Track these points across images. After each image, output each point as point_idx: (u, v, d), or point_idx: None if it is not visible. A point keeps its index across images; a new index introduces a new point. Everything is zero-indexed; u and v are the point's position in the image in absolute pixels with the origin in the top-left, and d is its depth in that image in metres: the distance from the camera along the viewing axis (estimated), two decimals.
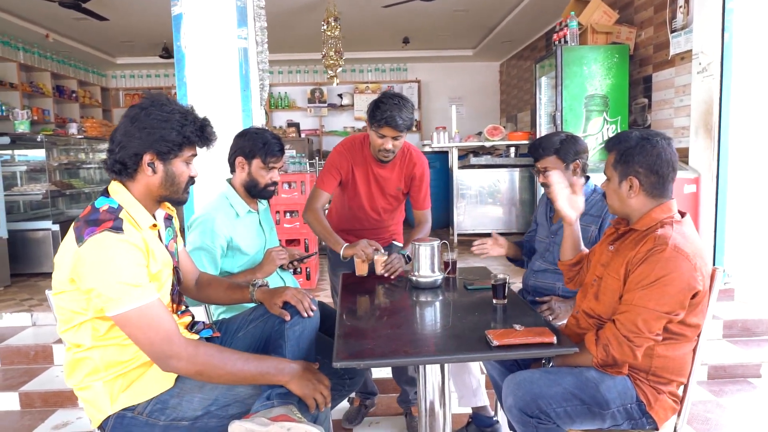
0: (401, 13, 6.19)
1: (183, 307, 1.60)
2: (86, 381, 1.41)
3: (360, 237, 2.32)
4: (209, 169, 3.39)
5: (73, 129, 5.56)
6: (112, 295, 1.28)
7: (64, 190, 5.03)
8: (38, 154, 4.86)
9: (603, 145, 4.46)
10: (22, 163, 4.84)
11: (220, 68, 3.32)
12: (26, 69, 6.77)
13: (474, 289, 1.92)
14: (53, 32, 6.52)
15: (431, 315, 1.75)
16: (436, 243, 1.98)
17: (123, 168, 1.43)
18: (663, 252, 1.39)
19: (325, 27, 5.62)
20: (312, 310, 1.65)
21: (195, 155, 1.48)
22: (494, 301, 1.67)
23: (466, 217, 5.67)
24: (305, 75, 8.87)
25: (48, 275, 4.53)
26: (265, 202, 2.25)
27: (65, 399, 2.86)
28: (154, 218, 1.52)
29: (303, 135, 8.44)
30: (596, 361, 1.48)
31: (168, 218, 1.59)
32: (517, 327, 1.43)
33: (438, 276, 1.97)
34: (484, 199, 5.70)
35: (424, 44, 8.07)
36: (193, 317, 1.65)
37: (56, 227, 4.58)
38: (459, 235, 5.70)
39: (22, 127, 4.82)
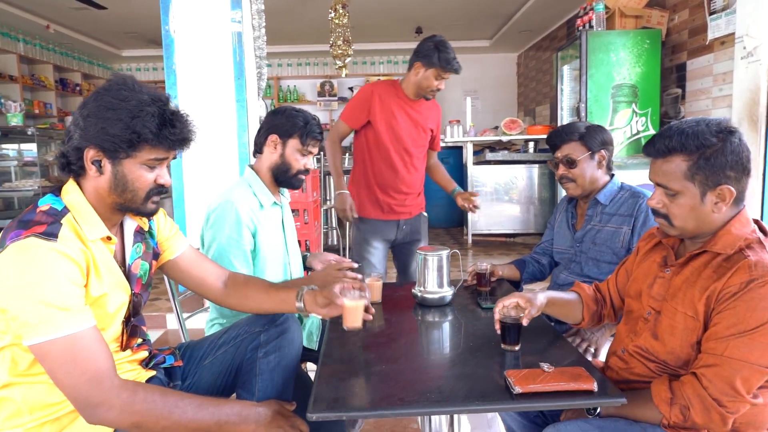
0: (413, 1, 5.86)
1: (139, 340, 1.31)
2: (4, 426, 1.13)
3: (393, 196, 2.50)
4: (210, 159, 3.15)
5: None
6: (30, 318, 1.01)
7: (59, 185, 4.81)
8: (31, 149, 4.65)
9: (630, 139, 4.10)
10: (14, 158, 4.62)
11: (213, 54, 3.05)
12: (28, 61, 6.59)
13: (490, 308, 1.61)
14: (54, 23, 6.31)
15: (437, 343, 1.44)
16: (445, 253, 1.68)
17: (66, 163, 1.16)
18: (766, 286, 1.04)
19: (332, 14, 5.32)
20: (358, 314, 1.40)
21: (164, 158, 1.17)
22: (503, 346, 1.31)
23: (480, 216, 5.34)
24: (315, 67, 8.58)
25: None
26: (287, 195, 1.99)
27: None
28: (121, 229, 1.26)
29: None
30: (666, 422, 1.13)
31: (140, 232, 1.31)
32: (545, 367, 1.12)
33: (446, 292, 1.66)
34: (500, 197, 5.37)
35: (438, 34, 7.73)
36: (151, 351, 1.36)
37: None
38: (473, 235, 5.38)
39: (15, 120, 4.61)
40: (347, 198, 2.51)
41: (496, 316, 1.30)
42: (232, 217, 1.70)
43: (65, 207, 1.13)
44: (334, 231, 5.13)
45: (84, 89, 7.55)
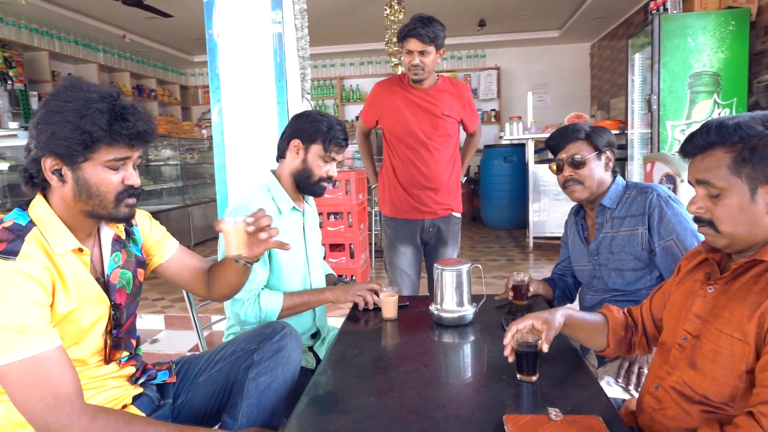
0: None
1: (125, 354, 1.26)
2: None
3: (414, 193, 2.40)
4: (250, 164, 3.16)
5: None
6: None
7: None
8: None
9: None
10: None
11: (254, 57, 3.03)
12: (108, 70, 7.01)
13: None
14: (129, 33, 6.67)
15: (443, 372, 1.27)
16: (465, 267, 1.51)
17: (29, 177, 1.13)
18: None
19: (388, 11, 5.21)
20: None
21: (127, 158, 1.12)
22: (519, 376, 1.15)
23: (543, 218, 5.02)
24: (377, 66, 8.51)
25: None
26: (312, 203, 1.91)
27: None
28: (99, 239, 1.22)
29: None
30: None
31: (118, 240, 1.27)
32: (553, 414, 0.94)
33: (466, 311, 1.50)
34: (565, 198, 5.01)
35: (503, 27, 7.40)
36: (140, 367, 1.30)
37: None
38: (535, 238, 5.07)
39: None
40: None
41: (506, 340, 1.15)
42: None
43: (30, 221, 1.09)
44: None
45: (158, 94, 7.95)
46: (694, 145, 1.00)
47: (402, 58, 2.36)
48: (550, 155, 1.73)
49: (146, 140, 1.13)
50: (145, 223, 1.37)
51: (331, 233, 3.47)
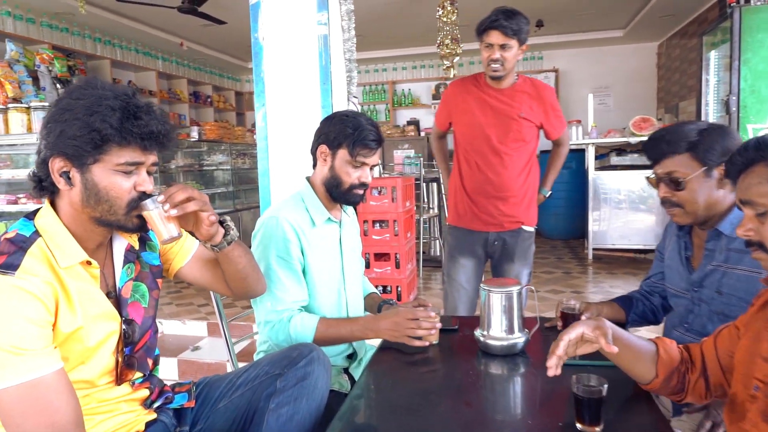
0: None
1: (140, 375, 1.16)
2: None
3: (478, 202, 2.23)
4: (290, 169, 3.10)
5: (194, 133, 5.70)
6: None
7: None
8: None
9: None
10: None
11: (299, 60, 2.95)
12: (166, 77, 7.22)
13: (576, 365, 1.22)
14: (187, 40, 6.84)
15: (482, 414, 1.10)
16: (516, 289, 1.33)
17: (38, 182, 1.06)
18: None
19: (440, 12, 5.05)
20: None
21: (140, 163, 1.03)
22: (579, 426, 0.96)
23: (604, 228, 4.69)
24: (430, 70, 8.35)
25: None
26: (351, 212, 1.78)
27: None
28: (111, 251, 1.14)
29: (423, 133, 7.95)
30: None
31: (131, 250, 1.18)
32: None
33: (517, 339, 1.31)
34: (629, 207, 4.67)
35: (562, 27, 7.07)
36: (154, 389, 1.21)
37: None
38: (595, 249, 4.75)
39: None
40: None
41: (551, 362, 0.99)
42: (278, 235, 1.52)
43: (35, 232, 1.01)
44: (436, 241, 4.84)
45: (214, 101, 8.12)
46: (734, 165, 0.95)
47: (481, 54, 2.18)
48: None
49: (161, 142, 1.04)
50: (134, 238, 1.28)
51: (376, 242, 3.34)
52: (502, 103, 2.19)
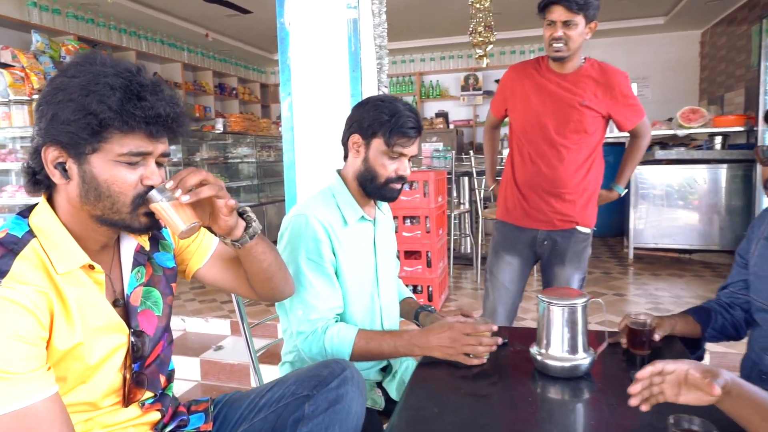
0: None
1: (148, 394, 1.02)
2: None
3: (528, 197, 2.05)
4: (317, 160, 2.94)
5: (219, 125, 5.62)
6: None
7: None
8: (179, 150, 4.93)
9: None
10: None
11: (327, 46, 2.78)
12: (191, 69, 7.15)
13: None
14: (212, 31, 6.75)
15: None
16: (581, 302, 1.14)
17: (32, 175, 0.91)
18: None
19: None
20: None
21: (147, 153, 0.88)
22: None
23: (646, 226, 4.43)
24: (459, 60, 8.11)
25: None
26: (386, 209, 1.62)
27: None
28: (118, 252, 1.00)
29: (452, 126, 7.73)
30: None
31: (141, 252, 1.03)
32: None
33: (581, 360, 1.13)
34: (673, 204, 4.39)
35: (600, 15, 6.74)
36: (167, 410, 1.06)
37: None
38: (636, 249, 4.49)
39: None
40: (496, 188, 2.32)
41: (635, 388, 0.83)
42: (308, 235, 1.36)
43: (29, 232, 0.86)
44: (467, 238, 4.64)
45: (239, 93, 8.03)
46: None
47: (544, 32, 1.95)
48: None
49: (170, 128, 0.88)
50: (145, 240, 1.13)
51: (407, 239, 3.16)
52: (563, 89, 1.97)
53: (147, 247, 1.04)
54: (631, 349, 1.23)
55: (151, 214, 0.91)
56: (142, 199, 0.89)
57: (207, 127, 5.82)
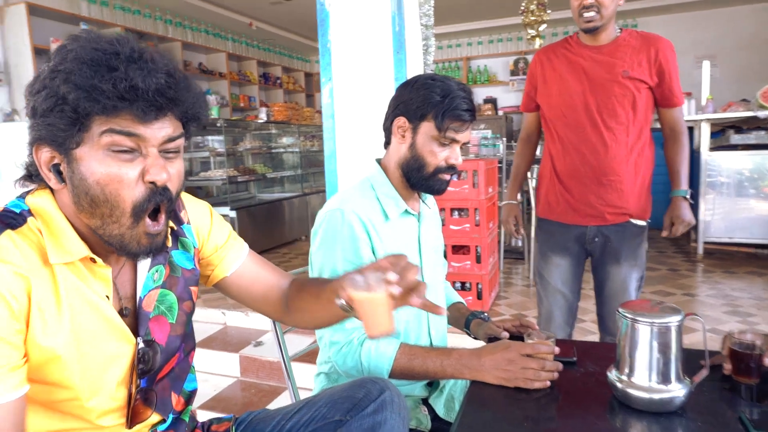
0: None
1: (154, 417, 0.87)
2: None
3: (573, 189, 1.81)
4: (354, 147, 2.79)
5: (262, 114, 5.56)
6: None
7: (246, 175, 5.00)
8: (222, 140, 4.90)
9: None
10: (206, 148, 4.93)
11: (369, 27, 2.61)
12: (236, 59, 7.13)
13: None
14: (256, 20, 6.70)
15: None
16: (676, 321, 0.93)
17: (28, 178, 0.80)
18: None
19: None
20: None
21: (134, 135, 0.71)
22: None
23: (717, 218, 4.05)
24: (508, 44, 7.75)
25: None
26: (432, 202, 1.44)
27: None
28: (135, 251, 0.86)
29: (501, 112, 7.42)
30: None
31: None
32: None
33: (674, 392, 0.92)
34: (748, 194, 3.99)
35: None
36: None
37: (233, 214, 4.52)
38: (706, 243, 4.11)
39: (212, 114, 4.89)
40: (512, 210, 2.05)
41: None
42: (344, 232, 1.21)
43: (28, 210, 0.75)
44: None
45: (284, 82, 7.98)
46: None
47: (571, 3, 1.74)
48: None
49: (159, 103, 0.71)
50: (202, 219, 0.99)
51: (454, 233, 2.97)
52: (599, 62, 1.73)
53: (169, 243, 0.90)
54: (736, 376, 1.01)
55: (154, 236, 0.76)
56: (145, 204, 0.74)
57: (250, 116, 5.78)
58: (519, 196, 2.12)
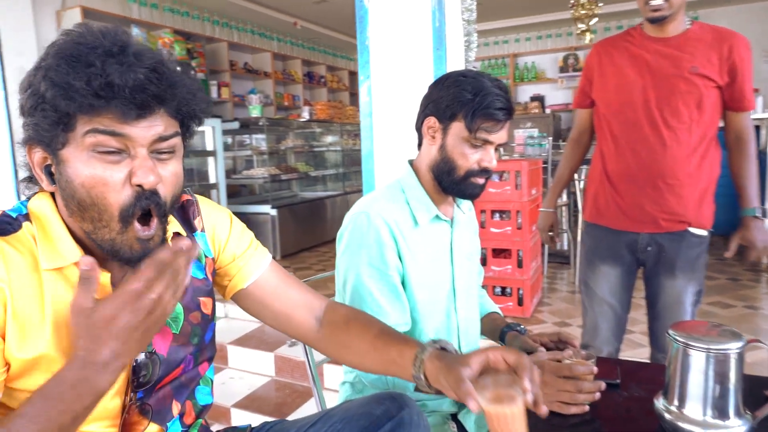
0: None
1: (153, 428, 0.83)
2: None
3: (623, 192, 1.68)
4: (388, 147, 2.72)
5: (305, 112, 5.58)
6: None
7: (288, 173, 5.03)
8: (264, 138, 4.95)
9: None
10: (249, 147, 4.99)
11: (408, 22, 2.54)
12: (281, 58, 7.20)
13: None
14: (300, 19, 6.74)
15: None
16: (736, 348, 0.81)
17: (28, 180, 0.78)
18: None
19: None
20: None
21: (119, 134, 0.67)
22: None
23: None
24: (557, 39, 7.49)
25: None
26: (468, 207, 1.36)
27: (220, 415, 2.54)
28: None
29: (548, 110, 7.18)
30: None
31: None
32: None
33: (735, 428, 0.81)
34: None
35: None
36: None
37: (274, 212, 4.56)
38: None
39: (255, 112, 4.94)
40: (549, 218, 1.95)
41: None
42: (369, 237, 1.15)
43: (27, 215, 0.73)
44: (564, 234, 4.22)
45: (328, 81, 8.01)
46: None
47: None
48: None
49: (137, 101, 0.66)
50: (220, 226, 0.94)
51: (495, 236, 2.86)
52: (665, 56, 1.58)
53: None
54: None
55: (146, 241, 0.72)
56: (132, 208, 0.69)
57: (293, 115, 5.82)
58: (565, 198, 2.00)
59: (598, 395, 0.95)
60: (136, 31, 4.78)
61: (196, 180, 4.54)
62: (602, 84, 1.73)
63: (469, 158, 1.16)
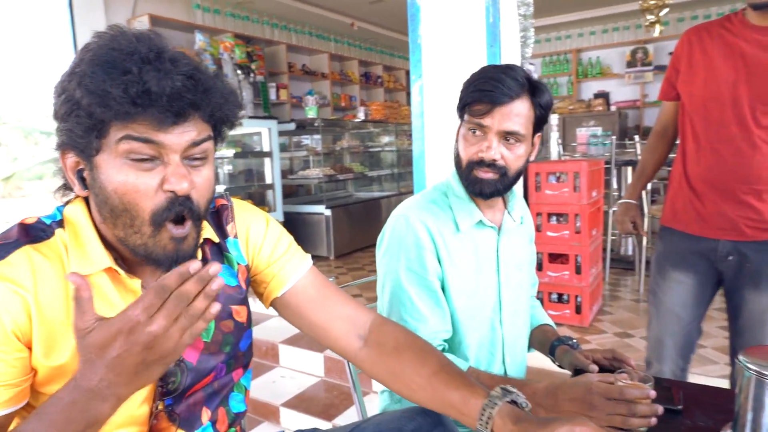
0: None
1: None
2: None
3: (705, 196, 1.53)
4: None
5: (360, 113, 5.60)
6: None
7: (343, 173, 5.06)
8: (319, 139, 5.00)
9: None
10: (305, 147, 5.05)
11: (461, 19, 2.47)
12: (338, 59, 7.27)
13: None
14: (356, 20, 6.78)
15: None
16: None
17: (65, 186, 0.79)
18: None
19: None
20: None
21: (153, 141, 0.67)
22: None
23: None
24: (624, 33, 7.13)
25: (318, 258, 4.60)
26: (521, 211, 1.29)
27: (270, 413, 2.57)
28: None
29: (613, 107, 6.84)
30: None
31: (202, 261, 0.86)
32: None
33: None
34: None
35: None
36: None
37: (329, 212, 4.59)
38: None
39: (311, 113, 5.01)
40: (630, 209, 1.79)
41: None
42: (408, 240, 1.12)
43: (60, 221, 0.74)
44: (629, 238, 3.99)
45: (384, 81, 8.01)
46: None
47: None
48: None
49: (174, 109, 0.65)
50: (255, 230, 0.92)
51: (552, 240, 2.73)
52: (767, 48, 1.43)
53: (200, 255, 0.85)
54: None
55: (179, 240, 0.71)
56: (165, 213, 0.69)
57: (349, 116, 5.85)
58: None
59: (654, 420, 0.86)
60: (199, 37, 4.95)
61: (255, 180, 4.65)
62: (689, 76, 1.58)
63: (468, 149, 1.12)
